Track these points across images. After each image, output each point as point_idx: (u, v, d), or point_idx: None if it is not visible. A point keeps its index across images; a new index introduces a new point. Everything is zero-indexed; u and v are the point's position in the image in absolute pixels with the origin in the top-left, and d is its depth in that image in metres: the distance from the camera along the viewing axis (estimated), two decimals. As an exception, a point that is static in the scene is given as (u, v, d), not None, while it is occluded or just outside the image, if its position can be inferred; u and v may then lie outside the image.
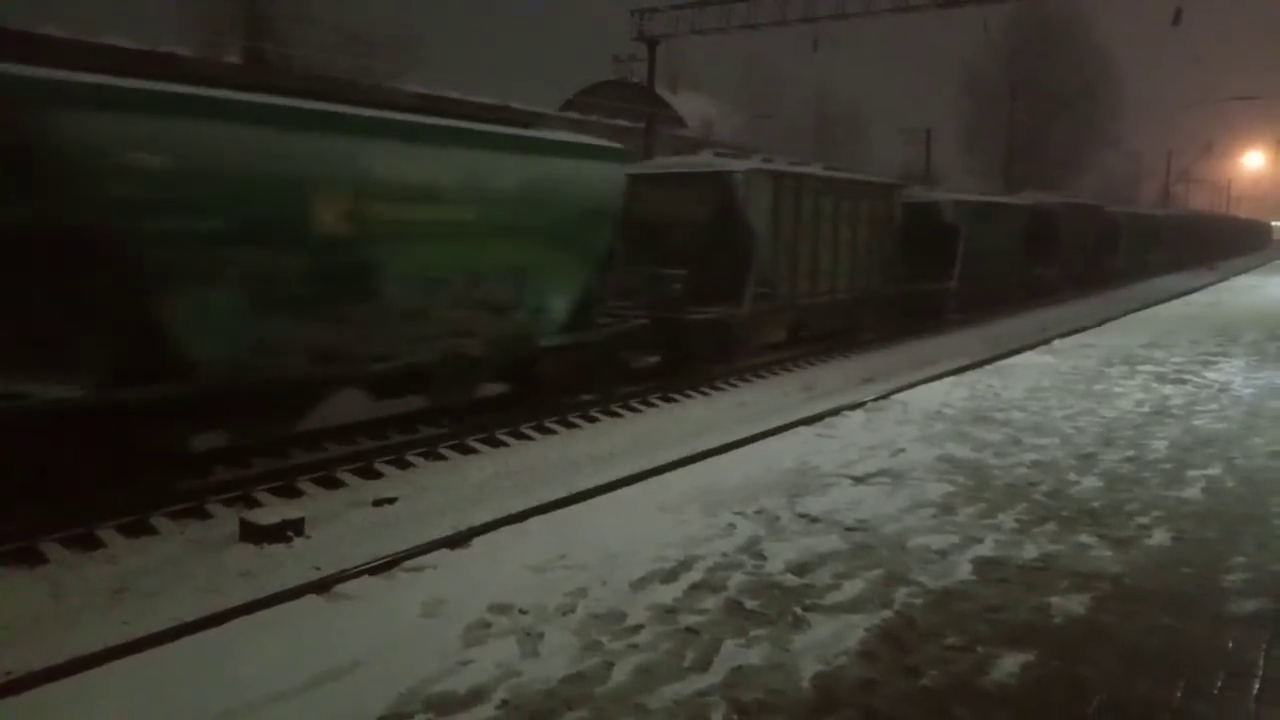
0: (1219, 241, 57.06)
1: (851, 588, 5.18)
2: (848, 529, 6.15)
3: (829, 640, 4.52)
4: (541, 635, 4.61)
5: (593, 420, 11.89)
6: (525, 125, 11.77)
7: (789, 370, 16.18)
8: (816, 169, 18.45)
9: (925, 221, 21.67)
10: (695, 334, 14.09)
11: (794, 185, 16.15)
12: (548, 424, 11.34)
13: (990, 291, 24.91)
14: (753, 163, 15.83)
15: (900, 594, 5.08)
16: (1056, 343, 16.14)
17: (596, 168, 11.83)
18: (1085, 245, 32.22)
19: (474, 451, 10.22)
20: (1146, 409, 10.13)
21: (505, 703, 3.98)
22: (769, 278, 15.38)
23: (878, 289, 19.16)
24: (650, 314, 13.39)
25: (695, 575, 5.36)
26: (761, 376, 15.42)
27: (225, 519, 7.81)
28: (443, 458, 9.94)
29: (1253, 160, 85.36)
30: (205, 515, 7.95)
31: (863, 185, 19.07)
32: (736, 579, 5.30)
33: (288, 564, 6.83)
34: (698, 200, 14.79)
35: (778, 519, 6.37)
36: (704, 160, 16.03)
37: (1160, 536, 6.02)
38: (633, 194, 13.03)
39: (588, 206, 11.52)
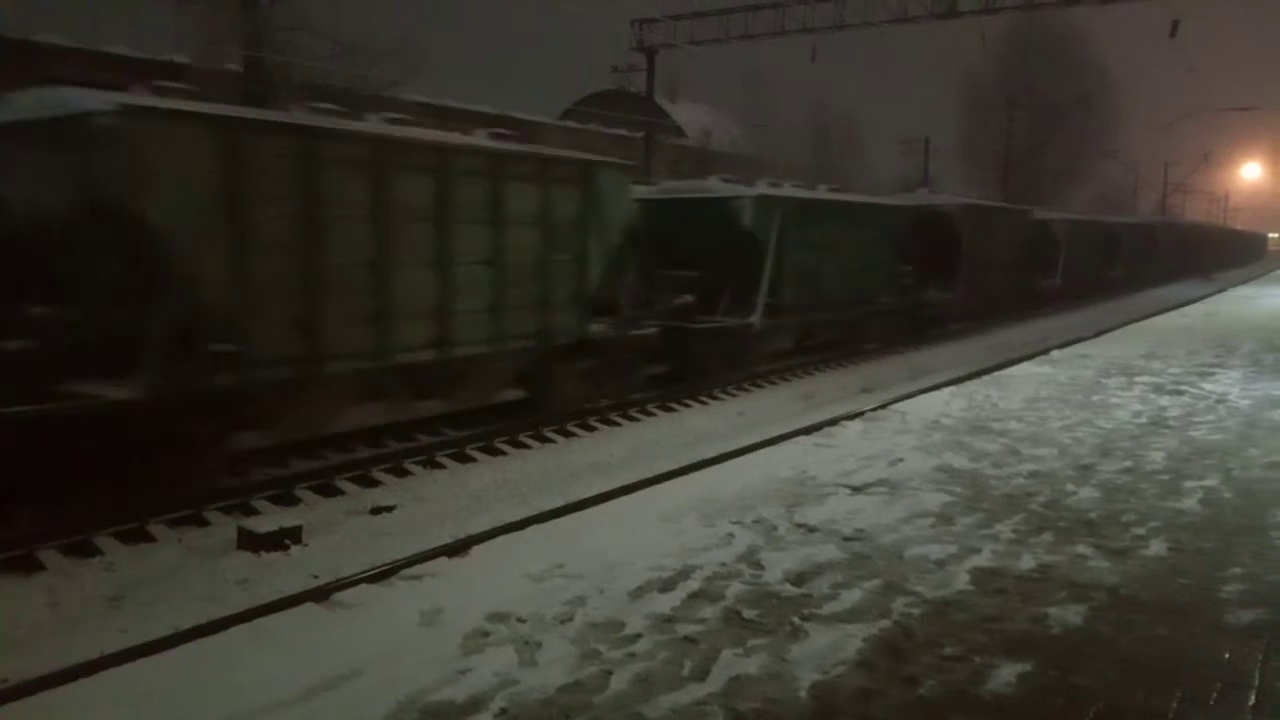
0: (1211, 253, 56.37)
1: (849, 597, 5.18)
2: (846, 539, 6.16)
3: (827, 650, 4.53)
4: (540, 644, 4.61)
5: (591, 429, 11.90)
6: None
7: (788, 380, 16.20)
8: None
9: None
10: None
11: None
12: (546, 433, 11.35)
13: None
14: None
15: (898, 604, 5.09)
16: (1054, 353, 16.16)
17: None
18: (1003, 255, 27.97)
19: (472, 460, 10.22)
20: (1144, 420, 10.15)
21: (503, 711, 3.99)
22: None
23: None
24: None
25: (693, 584, 5.37)
26: (760, 386, 15.45)
27: (223, 527, 7.81)
28: (441, 466, 9.95)
29: (1250, 171, 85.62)
30: (203, 523, 7.95)
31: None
32: (735, 588, 5.30)
33: (285, 572, 6.83)
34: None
35: (776, 528, 6.38)
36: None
37: (1157, 547, 6.03)
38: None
39: None
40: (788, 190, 17.26)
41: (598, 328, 12.40)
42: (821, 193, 18.60)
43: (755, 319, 15.36)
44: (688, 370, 14.90)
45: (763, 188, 16.45)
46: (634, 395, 13.23)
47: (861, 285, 18.86)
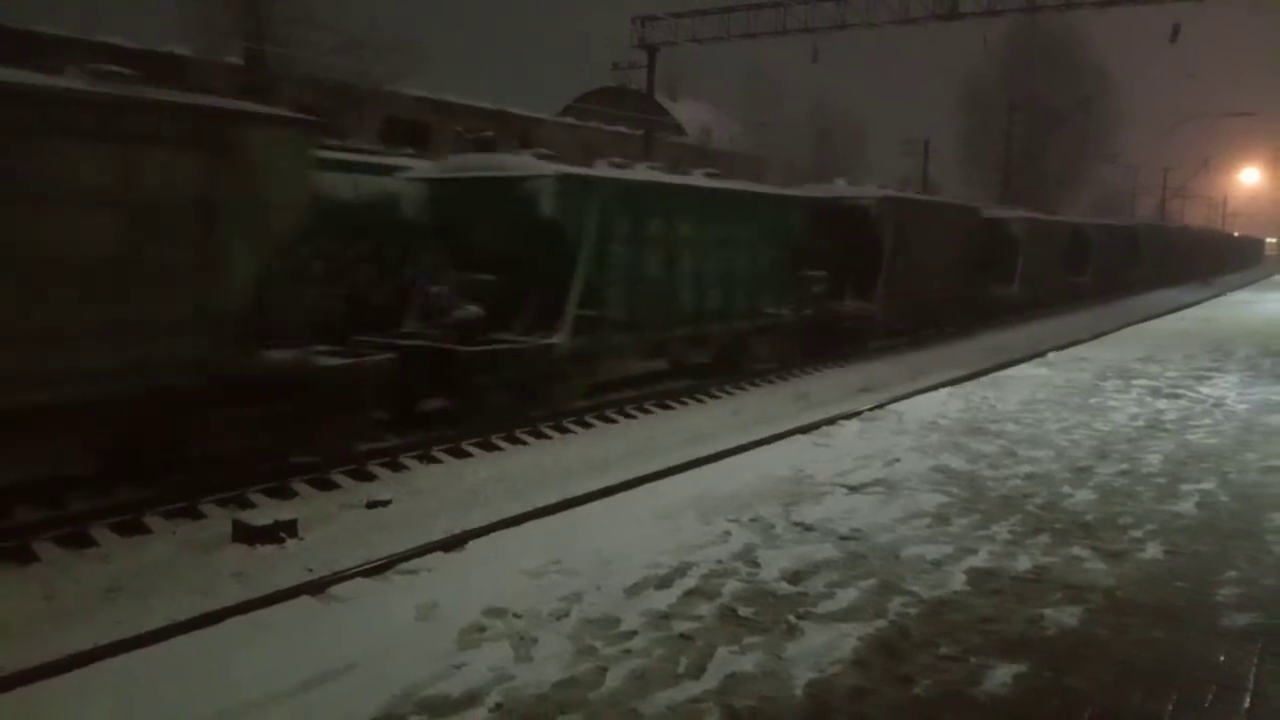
0: (1204, 258, 55.00)
1: (845, 596, 5.18)
2: (842, 538, 6.16)
3: (822, 648, 4.53)
4: (535, 640, 4.61)
5: (588, 426, 11.89)
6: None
7: (784, 379, 16.20)
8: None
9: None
10: None
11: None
12: (543, 429, 11.34)
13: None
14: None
15: (894, 603, 5.09)
16: (1051, 355, 16.18)
17: None
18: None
19: (468, 455, 10.22)
20: (1141, 423, 10.16)
21: (499, 706, 3.98)
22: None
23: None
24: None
25: (690, 582, 5.36)
26: (757, 385, 15.44)
27: (218, 519, 7.80)
28: (437, 461, 9.94)
29: (1249, 176, 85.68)
30: (198, 515, 7.94)
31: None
32: (731, 586, 5.30)
33: (280, 565, 6.82)
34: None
35: (772, 527, 6.38)
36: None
37: (1153, 550, 6.03)
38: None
39: None
40: (611, 171, 13.64)
41: (279, 355, 8.88)
42: (664, 176, 14.66)
43: (560, 339, 11.80)
44: (464, 408, 11.20)
45: (572, 167, 12.64)
46: (361, 447, 9.70)
47: (738, 295, 15.20)
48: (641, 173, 14.54)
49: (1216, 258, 59.78)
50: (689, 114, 49.23)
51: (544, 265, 12.03)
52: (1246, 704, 4.08)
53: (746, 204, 15.93)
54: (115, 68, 8.13)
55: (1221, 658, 4.51)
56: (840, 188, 20.63)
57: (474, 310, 11.73)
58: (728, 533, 6.24)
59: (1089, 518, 6.70)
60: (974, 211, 25.60)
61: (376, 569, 6.07)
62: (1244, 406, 11.21)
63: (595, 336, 12.43)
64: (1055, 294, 30.51)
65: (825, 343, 17.98)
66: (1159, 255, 43.94)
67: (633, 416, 12.62)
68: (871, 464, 8.18)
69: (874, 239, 19.12)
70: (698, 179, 15.27)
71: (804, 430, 9.88)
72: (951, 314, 23.14)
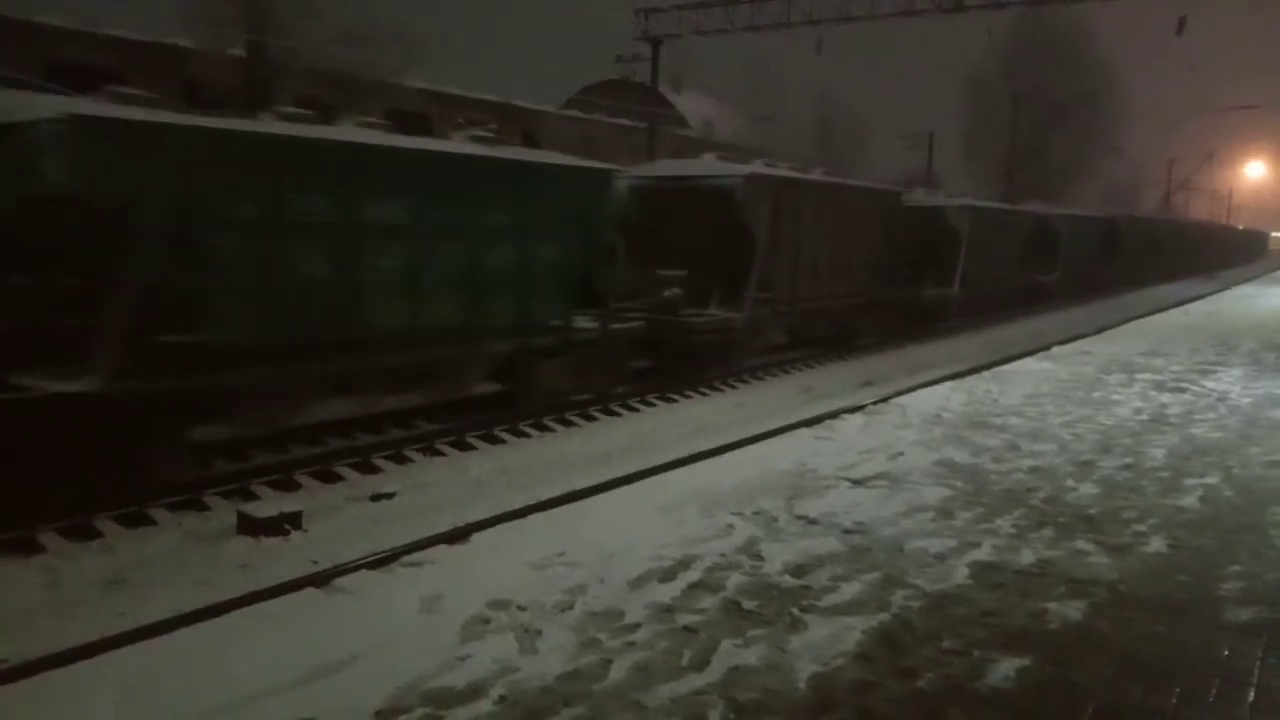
0: (1201, 253, 53.14)
1: (849, 590, 5.18)
2: (845, 531, 6.16)
3: (826, 642, 4.53)
4: (540, 632, 4.61)
5: (591, 419, 11.89)
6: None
7: (787, 373, 16.19)
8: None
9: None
10: None
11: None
12: (546, 422, 11.35)
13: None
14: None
15: (897, 597, 5.09)
16: (1055, 349, 16.16)
17: None
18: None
19: (472, 448, 10.22)
20: (1144, 417, 10.14)
21: (503, 698, 3.99)
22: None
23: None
24: None
25: (693, 575, 5.36)
26: (760, 378, 15.43)
27: (223, 511, 7.82)
28: (441, 454, 9.95)
29: (1254, 170, 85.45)
30: (203, 507, 7.96)
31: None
32: (734, 579, 5.30)
33: (285, 557, 6.84)
34: None
35: (776, 520, 6.38)
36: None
37: (1157, 544, 6.03)
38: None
39: None
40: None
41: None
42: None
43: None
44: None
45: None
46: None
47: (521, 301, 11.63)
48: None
49: (1213, 253, 57.30)
50: (692, 107, 49.15)
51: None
52: (1250, 698, 4.08)
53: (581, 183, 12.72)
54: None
55: (1225, 652, 4.51)
56: (710, 163, 16.25)
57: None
58: (731, 526, 6.24)
59: (1092, 512, 6.69)
60: (893, 196, 21.21)
61: (381, 561, 6.07)
62: (1248, 401, 11.19)
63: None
64: (1015, 296, 26.90)
65: (672, 365, 14.19)
66: (1145, 249, 40.41)
67: (636, 409, 12.62)
68: (875, 457, 8.17)
69: (742, 230, 15.14)
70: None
71: (807, 424, 9.88)
72: (867, 323, 19.31)
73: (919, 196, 23.67)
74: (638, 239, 14.24)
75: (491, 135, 12.31)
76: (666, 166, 17.06)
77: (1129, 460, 8.21)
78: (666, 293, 14.08)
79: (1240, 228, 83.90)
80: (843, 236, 17.95)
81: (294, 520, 7.38)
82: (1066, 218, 32.09)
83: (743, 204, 15.08)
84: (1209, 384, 12.39)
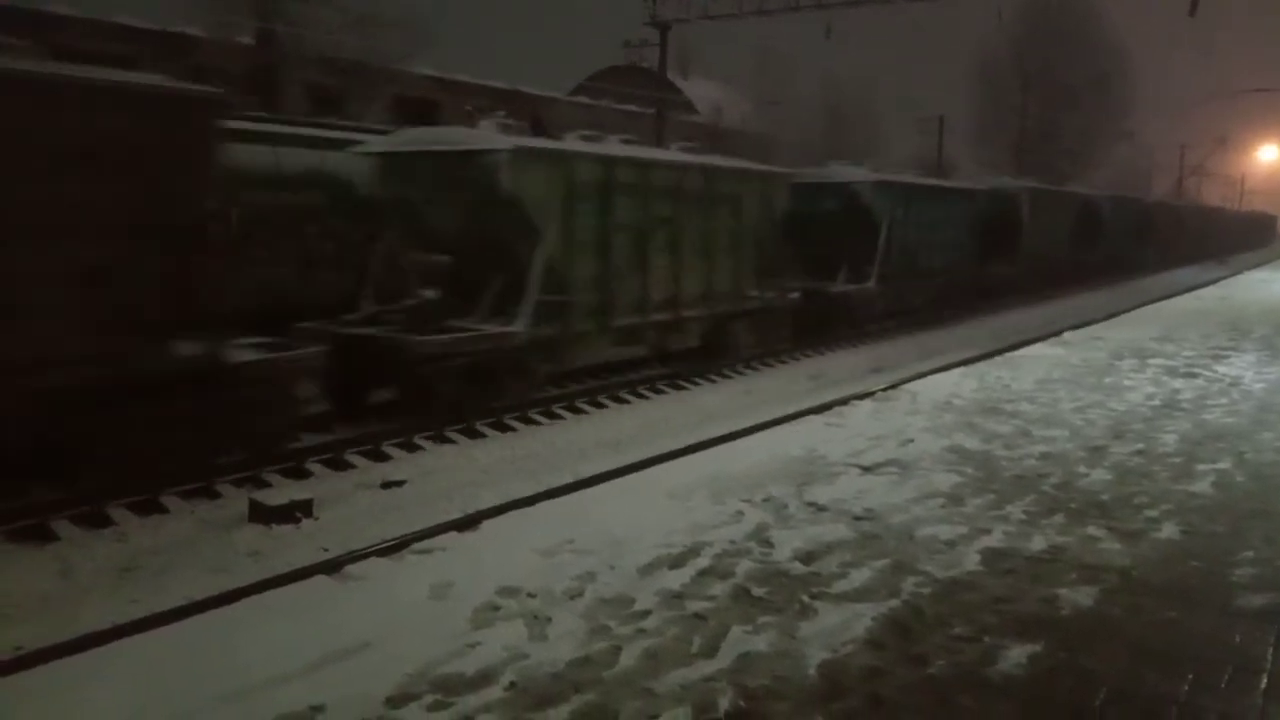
0: (1202, 238, 50.01)
1: (859, 576, 5.18)
2: (855, 518, 6.15)
3: (836, 628, 4.53)
4: (550, 619, 4.62)
5: (600, 406, 11.89)
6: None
7: (796, 360, 16.16)
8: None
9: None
10: None
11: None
12: (555, 409, 11.35)
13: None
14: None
15: (908, 583, 5.08)
16: (1067, 335, 16.08)
17: None
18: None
19: (481, 436, 10.23)
20: (1156, 402, 10.10)
21: (513, 685, 4.00)
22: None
23: None
24: None
25: (703, 561, 5.37)
26: (769, 365, 15.41)
27: (235, 499, 7.84)
28: (450, 441, 9.96)
29: (1267, 154, 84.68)
30: (215, 495, 7.99)
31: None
32: (744, 566, 5.30)
33: (296, 545, 6.86)
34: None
35: (785, 507, 6.37)
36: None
37: (1169, 530, 6.00)
38: None
39: None
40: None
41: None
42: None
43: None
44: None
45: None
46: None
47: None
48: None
49: (1214, 238, 54.09)
50: (700, 92, 48.92)
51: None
52: (1263, 684, 4.07)
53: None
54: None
55: (1237, 638, 4.49)
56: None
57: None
58: (740, 513, 6.24)
59: (1104, 497, 6.67)
60: (773, 177, 15.80)
61: (391, 548, 6.09)
62: (1261, 386, 11.13)
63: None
64: (970, 289, 23.06)
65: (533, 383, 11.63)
66: (1133, 235, 36.00)
67: (645, 397, 12.61)
68: (885, 444, 8.15)
69: (517, 223, 11.18)
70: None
71: (817, 410, 9.86)
72: (716, 339, 14.85)
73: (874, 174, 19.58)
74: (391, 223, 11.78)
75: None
76: (418, 136, 12.04)
77: (1141, 446, 8.17)
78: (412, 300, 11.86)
79: (1243, 210, 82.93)
80: (726, 225, 14.37)
81: (305, 508, 7.40)
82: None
83: (510, 194, 10.83)
84: (1221, 369, 12.32)
